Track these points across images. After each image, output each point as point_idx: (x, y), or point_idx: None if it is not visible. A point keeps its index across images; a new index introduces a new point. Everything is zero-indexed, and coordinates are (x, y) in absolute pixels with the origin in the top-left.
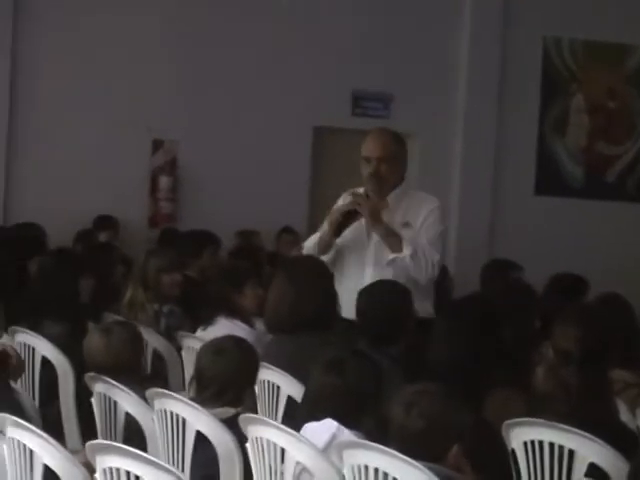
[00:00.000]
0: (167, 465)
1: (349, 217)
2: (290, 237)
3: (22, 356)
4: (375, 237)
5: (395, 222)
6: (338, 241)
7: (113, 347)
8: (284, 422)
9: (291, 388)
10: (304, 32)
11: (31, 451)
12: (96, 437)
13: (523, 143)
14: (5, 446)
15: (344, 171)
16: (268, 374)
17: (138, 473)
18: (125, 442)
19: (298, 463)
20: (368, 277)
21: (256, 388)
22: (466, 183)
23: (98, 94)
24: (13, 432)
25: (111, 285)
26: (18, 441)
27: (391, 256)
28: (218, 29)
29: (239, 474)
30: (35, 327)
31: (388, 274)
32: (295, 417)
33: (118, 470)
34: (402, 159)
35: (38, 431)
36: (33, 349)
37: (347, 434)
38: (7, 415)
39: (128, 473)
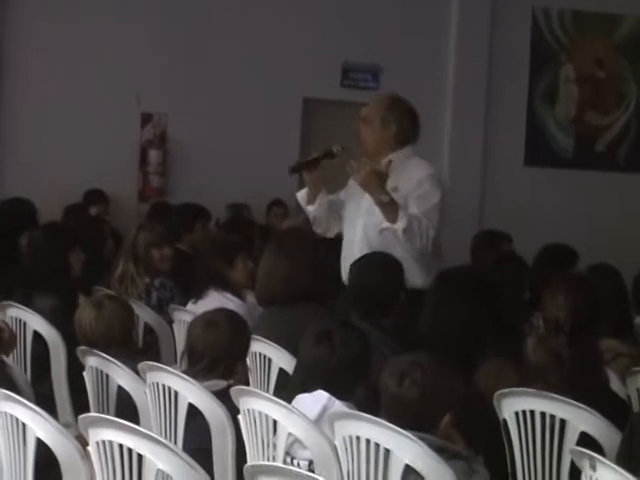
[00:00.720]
0: (160, 437)
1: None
2: (280, 210)
3: (14, 330)
4: (366, 202)
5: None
6: (333, 197)
7: (104, 321)
8: (276, 394)
9: (283, 360)
10: (294, 3)
11: (24, 425)
12: (88, 411)
13: (512, 114)
14: None
15: (334, 141)
16: (260, 346)
17: (131, 445)
18: (117, 415)
19: (290, 434)
20: (357, 245)
21: (248, 360)
22: (455, 155)
23: (87, 67)
24: (5, 406)
25: (102, 259)
26: (11, 415)
27: (384, 225)
28: (207, 1)
29: (231, 446)
30: (26, 301)
31: (375, 239)
32: (287, 389)
33: (111, 443)
34: (390, 123)
35: (31, 405)
36: (24, 323)
37: (338, 405)
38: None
39: (121, 446)
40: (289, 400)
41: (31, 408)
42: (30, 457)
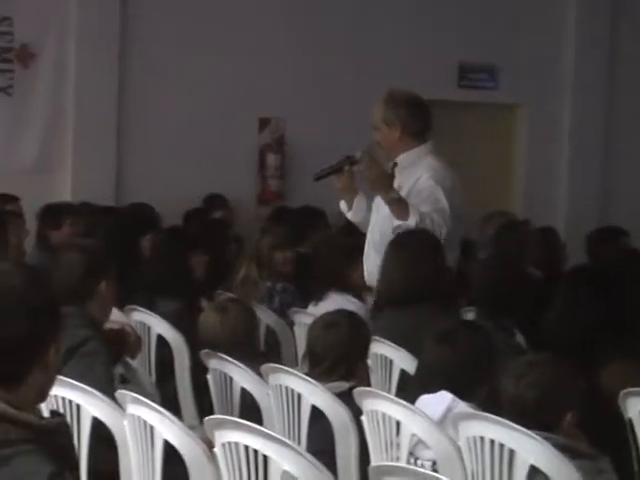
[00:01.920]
0: (285, 439)
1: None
2: None
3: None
4: (378, 203)
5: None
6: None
7: (228, 324)
8: (397, 395)
9: (404, 361)
10: (409, 3)
11: (151, 427)
12: (211, 413)
13: (635, 108)
14: (126, 422)
15: (451, 143)
16: (381, 348)
17: (257, 447)
18: (241, 417)
19: (413, 435)
20: (369, 243)
21: (369, 361)
22: (576, 153)
23: (205, 74)
24: (134, 409)
25: (224, 262)
26: (139, 417)
27: (396, 223)
28: (322, 5)
29: (354, 447)
30: (149, 305)
31: (378, 238)
32: (408, 390)
33: (237, 444)
34: (392, 121)
35: (158, 407)
36: (149, 327)
37: (462, 406)
38: (127, 392)
39: (247, 447)
40: (411, 401)
41: (159, 411)
42: (158, 459)
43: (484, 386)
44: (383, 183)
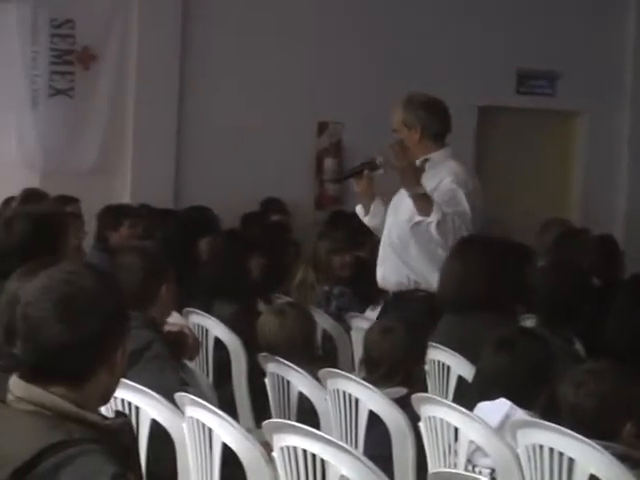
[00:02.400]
0: (344, 444)
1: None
2: None
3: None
4: (394, 202)
5: None
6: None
7: (287, 328)
8: (455, 402)
9: (461, 368)
10: (469, 9)
11: (210, 430)
12: (267, 416)
13: None
14: (185, 425)
15: (509, 150)
16: (438, 354)
17: (315, 451)
18: (298, 421)
19: (472, 442)
20: (385, 244)
21: (426, 367)
22: (635, 161)
23: (265, 78)
24: (192, 411)
25: (282, 266)
26: (197, 420)
27: (417, 218)
28: (380, 8)
29: (412, 453)
30: (207, 308)
31: (395, 238)
32: (466, 397)
33: (295, 449)
34: (413, 123)
35: (217, 410)
36: (206, 330)
37: (521, 413)
38: (186, 394)
39: (305, 451)
40: (469, 408)
41: (217, 414)
42: (216, 461)
43: (543, 394)
44: (413, 175)
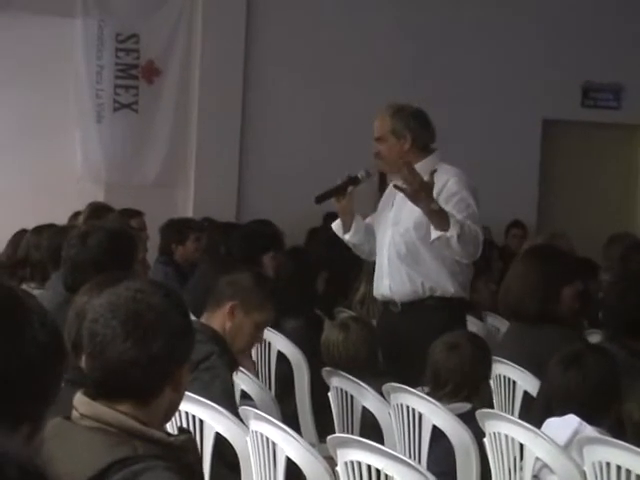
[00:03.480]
0: (409, 460)
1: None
2: (519, 231)
3: (259, 350)
4: (392, 213)
5: None
6: (369, 220)
7: (351, 343)
8: (521, 418)
9: (528, 384)
10: (536, 22)
11: (274, 444)
12: (329, 431)
13: None
14: (249, 439)
15: (574, 164)
16: (504, 369)
17: (380, 467)
18: (362, 436)
19: (538, 459)
20: (385, 256)
21: (491, 383)
22: None
23: (328, 94)
24: (256, 425)
25: (344, 280)
26: (261, 434)
27: (435, 234)
28: (442, 22)
29: (476, 469)
30: (272, 323)
31: (402, 249)
32: (533, 412)
33: (359, 463)
34: (402, 132)
35: (281, 424)
36: (269, 343)
37: (589, 430)
38: (250, 408)
39: (369, 467)
40: (535, 423)
41: (281, 428)
42: (280, 476)
43: (612, 411)
44: (426, 194)
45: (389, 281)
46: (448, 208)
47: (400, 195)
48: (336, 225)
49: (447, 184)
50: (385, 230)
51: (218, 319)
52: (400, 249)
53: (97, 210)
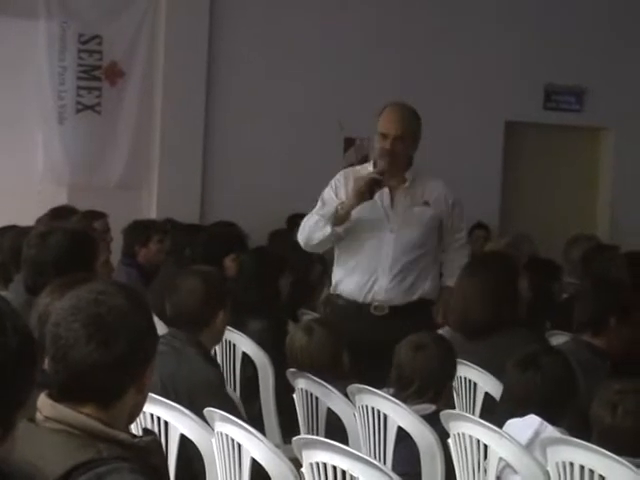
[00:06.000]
0: (374, 460)
1: (374, 186)
2: (483, 233)
3: (224, 352)
4: (395, 218)
5: (416, 200)
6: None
7: (315, 345)
8: (482, 418)
9: (489, 385)
10: (498, 24)
11: (239, 445)
12: (294, 433)
13: None
14: (214, 440)
15: (537, 165)
16: (465, 371)
17: (345, 467)
18: (327, 437)
19: (501, 459)
20: (387, 259)
21: (454, 384)
22: None
23: (291, 94)
24: (221, 426)
25: (308, 282)
26: (226, 435)
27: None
28: (412, 29)
29: (440, 470)
30: (236, 324)
31: (410, 257)
32: (495, 414)
33: (325, 465)
34: (418, 137)
35: (246, 426)
36: (234, 345)
37: (550, 430)
38: (215, 410)
39: (335, 468)
40: (497, 424)
41: (246, 429)
42: (245, 477)
43: (571, 410)
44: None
45: (385, 285)
46: (454, 215)
47: (397, 200)
48: (312, 221)
49: (446, 195)
50: (381, 235)
51: None
52: (406, 251)
53: (60, 212)
